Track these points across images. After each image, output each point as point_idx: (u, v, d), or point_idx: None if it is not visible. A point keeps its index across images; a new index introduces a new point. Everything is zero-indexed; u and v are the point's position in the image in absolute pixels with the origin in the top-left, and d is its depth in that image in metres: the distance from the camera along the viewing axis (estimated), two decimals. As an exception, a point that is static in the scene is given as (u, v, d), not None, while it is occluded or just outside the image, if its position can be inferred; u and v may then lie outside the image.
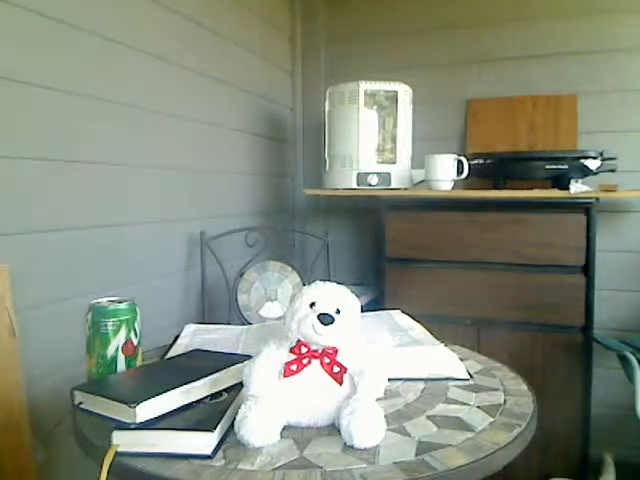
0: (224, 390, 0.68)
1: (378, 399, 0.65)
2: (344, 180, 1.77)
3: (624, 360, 1.55)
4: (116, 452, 0.56)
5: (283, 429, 0.61)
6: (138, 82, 1.38)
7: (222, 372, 0.70)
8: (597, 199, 1.47)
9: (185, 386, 0.65)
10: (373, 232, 1.88)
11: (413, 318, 0.99)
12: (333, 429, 0.62)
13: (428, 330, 0.92)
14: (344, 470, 0.53)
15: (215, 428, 0.57)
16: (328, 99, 1.79)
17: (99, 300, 0.80)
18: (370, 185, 1.76)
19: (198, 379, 0.67)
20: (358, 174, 1.75)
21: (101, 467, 0.54)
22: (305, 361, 0.62)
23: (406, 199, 1.68)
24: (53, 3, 1.13)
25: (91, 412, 0.66)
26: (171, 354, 0.86)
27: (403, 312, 1.03)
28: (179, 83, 1.55)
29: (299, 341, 0.63)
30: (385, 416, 0.61)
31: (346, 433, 0.58)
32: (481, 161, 1.66)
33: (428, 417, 0.65)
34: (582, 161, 1.55)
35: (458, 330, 1.59)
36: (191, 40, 1.59)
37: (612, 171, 1.57)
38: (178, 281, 1.58)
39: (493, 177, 1.69)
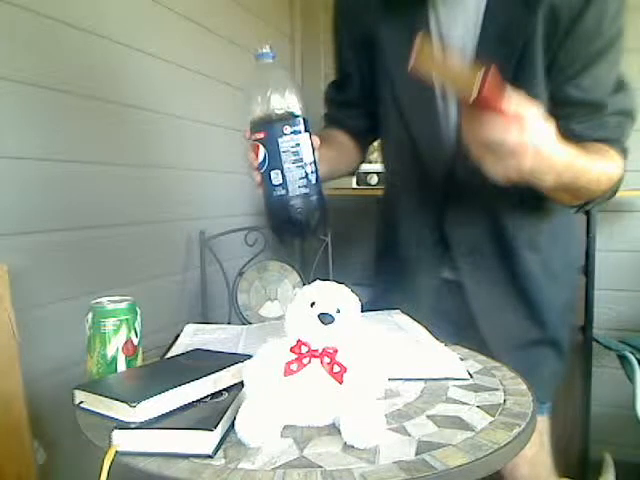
0: (224, 390, 0.69)
1: (378, 399, 0.66)
2: (344, 180, 1.77)
3: (624, 360, 1.55)
4: (116, 452, 0.56)
5: (283, 428, 0.61)
6: (137, 82, 1.39)
7: (222, 372, 0.70)
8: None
9: (185, 385, 0.65)
10: (373, 232, 1.88)
11: (413, 318, 0.99)
12: (333, 429, 0.62)
13: (428, 330, 0.92)
14: (344, 469, 0.53)
15: (215, 427, 0.57)
16: (328, 99, 1.78)
17: (99, 300, 0.80)
18: (370, 185, 1.76)
19: (198, 378, 0.67)
20: (358, 174, 1.75)
21: (101, 467, 0.54)
22: (305, 361, 0.62)
23: (406, 199, 1.68)
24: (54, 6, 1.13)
25: (91, 411, 0.66)
26: (171, 354, 0.86)
27: (403, 312, 1.03)
28: (179, 83, 1.55)
29: (299, 341, 0.63)
30: (385, 416, 0.61)
31: (346, 432, 0.58)
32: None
33: (428, 417, 0.66)
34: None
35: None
36: (191, 40, 1.59)
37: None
38: (178, 281, 1.58)
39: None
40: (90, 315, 0.78)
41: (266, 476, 0.52)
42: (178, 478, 0.53)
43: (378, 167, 1.80)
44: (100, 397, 0.65)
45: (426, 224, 1.04)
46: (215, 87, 1.72)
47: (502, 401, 0.70)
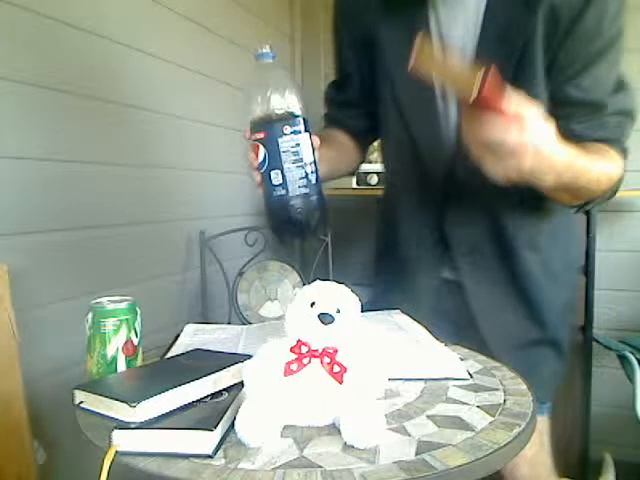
0: (224, 390, 0.69)
1: (378, 399, 0.65)
2: (344, 180, 1.77)
3: (624, 360, 1.56)
4: (116, 452, 0.56)
5: (283, 428, 0.61)
6: (137, 82, 1.39)
7: (222, 371, 0.70)
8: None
9: (185, 385, 0.65)
10: (373, 232, 1.88)
11: (413, 318, 0.99)
12: (333, 429, 0.62)
13: (428, 330, 0.92)
14: (344, 469, 0.53)
15: (215, 427, 0.57)
16: (328, 99, 1.78)
17: (99, 300, 0.80)
18: (370, 185, 1.76)
19: (198, 378, 0.67)
20: (358, 174, 1.75)
21: (101, 467, 0.54)
22: (305, 361, 0.62)
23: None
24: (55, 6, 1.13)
25: (91, 411, 0.66)
26: (171, 354, 0.86)
27: (403, 312, 1.03)
28: (179, 83, 1.55)
29: (299, 341, 0.63)
30: (385, 416, 0.62)
31: (346, 432, 0.58)
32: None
33: (428, 417, 0.66)
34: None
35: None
36: (191, 40, 1.59)
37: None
38: (178, 281, 1.58)
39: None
40: (90, 315, 0.78)
41: (266, 476, 0.52)
42: (178, 478, 0.53)
43: (378, 167, 1.80)
44: (100, 397, 0.65)
45: (426, 224, 1.04)
46: (215, 87, 1.72)
47: (502, 401, 0.70)
